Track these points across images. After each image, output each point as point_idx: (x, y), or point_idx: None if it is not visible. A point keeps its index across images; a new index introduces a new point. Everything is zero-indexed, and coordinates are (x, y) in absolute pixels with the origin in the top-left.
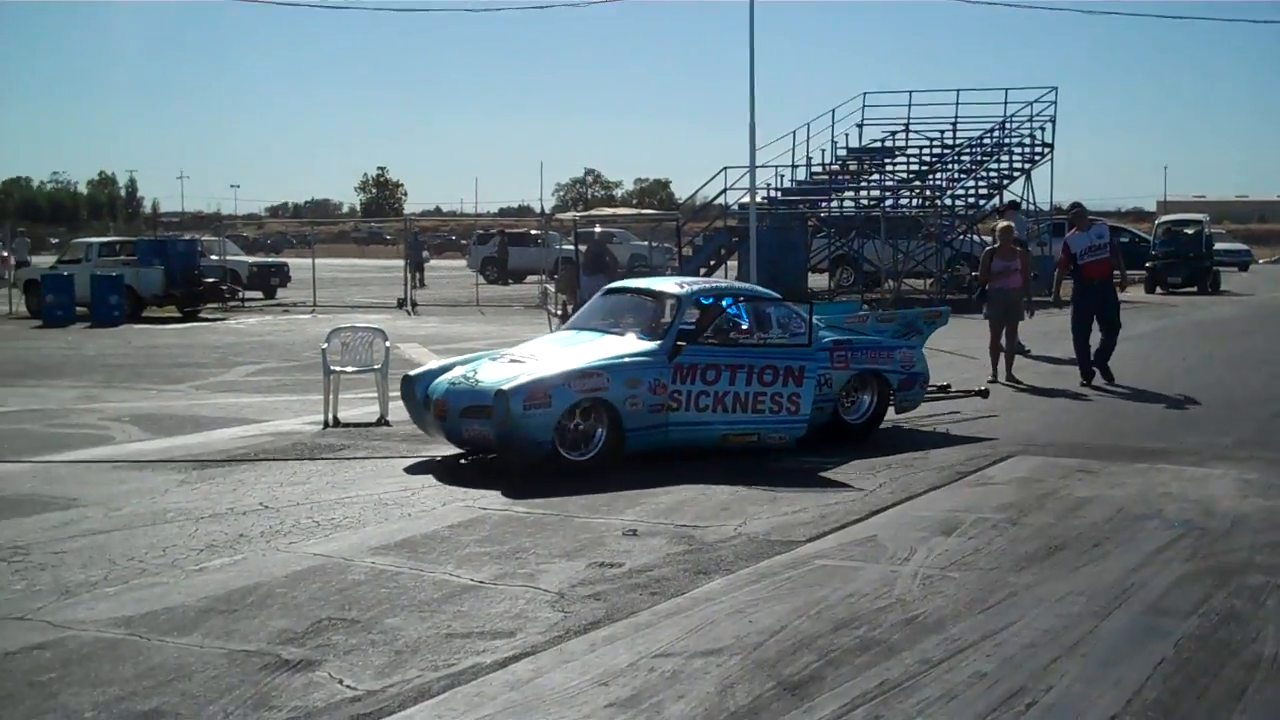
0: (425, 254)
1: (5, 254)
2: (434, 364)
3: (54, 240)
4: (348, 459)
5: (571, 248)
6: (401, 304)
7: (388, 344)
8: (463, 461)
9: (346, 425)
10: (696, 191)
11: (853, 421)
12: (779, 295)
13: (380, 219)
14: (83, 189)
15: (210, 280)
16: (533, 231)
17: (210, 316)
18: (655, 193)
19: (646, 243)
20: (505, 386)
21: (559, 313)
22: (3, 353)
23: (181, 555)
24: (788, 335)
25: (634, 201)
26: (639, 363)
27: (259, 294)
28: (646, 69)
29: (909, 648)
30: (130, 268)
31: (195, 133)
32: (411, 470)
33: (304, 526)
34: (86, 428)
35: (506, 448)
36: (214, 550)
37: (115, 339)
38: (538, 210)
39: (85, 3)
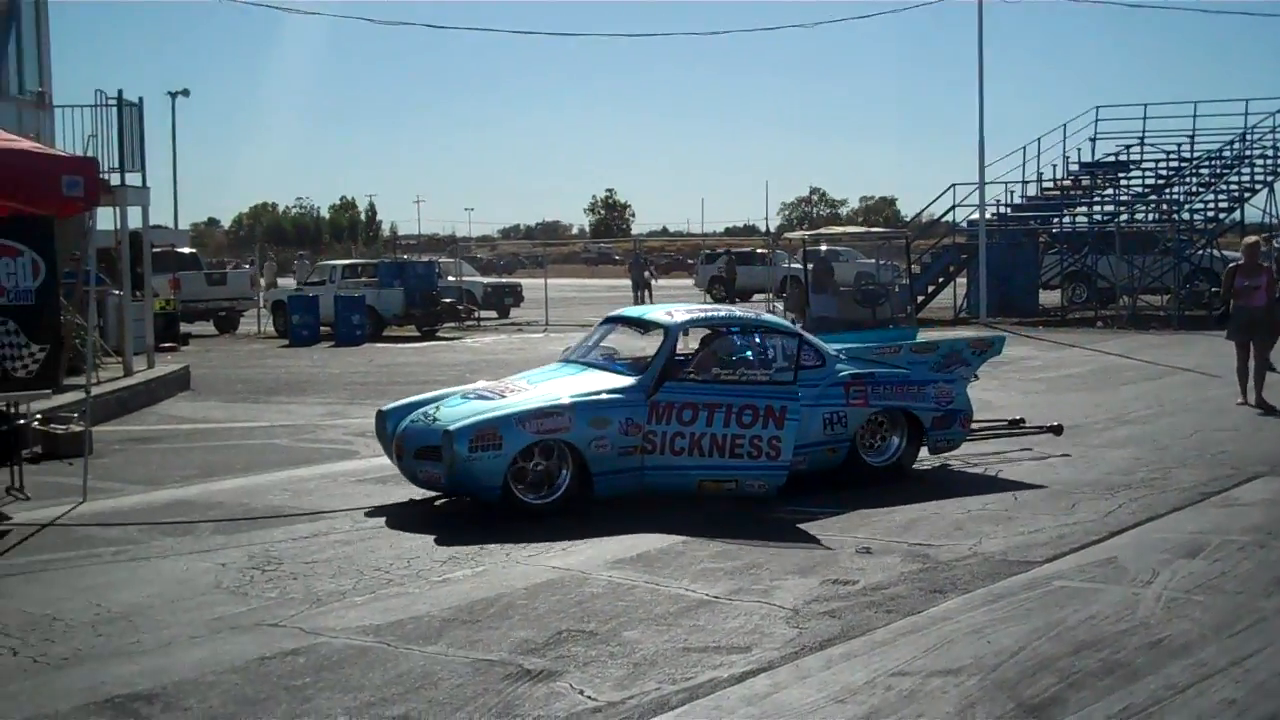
0: (648, 273)
1: (259, 276)
2: (412, 398)
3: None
4: None
5: (799, 266)
6: None
7: None
8: None
9: None
10: (924, 209)
11: (877, 464)
12: (787, 325)
13: (609, 239)
14: (325, 213)
15: (447, 300)
16: (759, 250)
17: (447, 335)
18: (881, 210)
19: (873, 260)
20: (452, 427)
21: None
22: (255, 371)
23: (425, 566)
24: (791, 369)
25: (859, 219)
26: (609, 400)
27: (493, 313)
28: (872, 86)
29: (1153, 672)
30: (372, 289)
31: (431, 157)
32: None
33: (542, 539)
34: (333, 442)
35: (456, 491)
36: (456, 562)
37: (358, 357)
38: (763, 229)
39: (326, 34)
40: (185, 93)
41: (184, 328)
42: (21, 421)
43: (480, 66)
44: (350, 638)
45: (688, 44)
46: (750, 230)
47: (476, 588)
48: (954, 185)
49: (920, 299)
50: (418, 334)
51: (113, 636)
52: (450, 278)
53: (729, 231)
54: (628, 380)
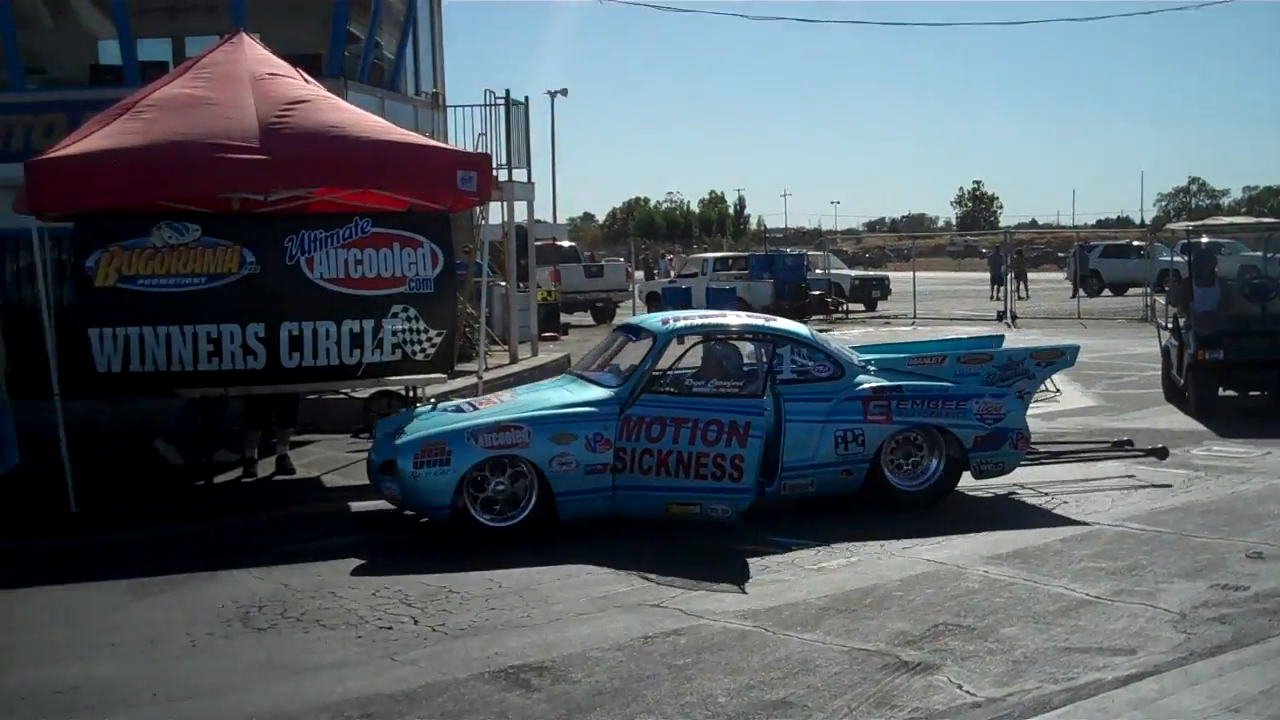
0: (1003, 268)
1: (631, 270)
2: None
3: (669, 256)
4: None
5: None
6: (1001, 316)
7: None
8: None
9: None
10: None
11: (907, 488)
12: (801, 333)
13: (975, 232)
14: (694, 207)
15: (816, 293)
16: (1135, 243)
17: (815, 328)
18: (1266, 201)
19: (1261, 254)
20: (399, 441)
21: (1168, 326)
22: None
23: (800, 555)
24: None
25: (1241, 210)
26: (575, 415)
27: (860, 306)
28: (1258, 70)
29: None
30: (742, 281)
31: (798, 151)
32: (1013, 481)
33: (914, 534)
34: None
35: (410, 509)
36: (830, 552)
37: None
38: (1137, 221)
39: (698, 31)
40: (564, 92)
41: (563, 318)
42: (419, 402)
43: (849, 59)
44: (729, 621)
45: (1058, 32)
46: (1124, 222)
47: (851, 577)
48: None
49: None
50: None
51: (504, 610)
52: (818, 270)
53: (1101, 223)
54: (604, 393)
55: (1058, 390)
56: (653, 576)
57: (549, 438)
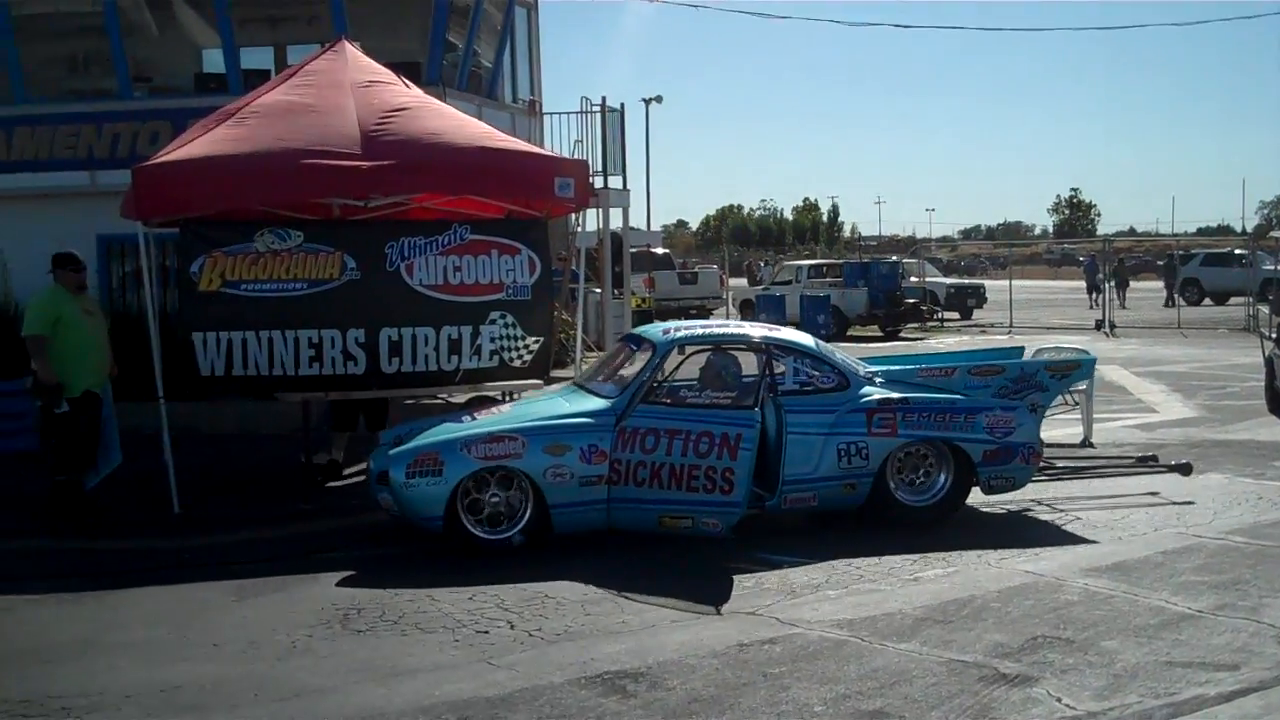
0: (1099, 276)
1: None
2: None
3: (762, 264)
4: (1047, 479)
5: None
6: (1099, 325)
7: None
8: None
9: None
10: None
11: (914, 504)
12: (804, 343)
13: (1073, 240)
14: (788, 215)
15: (911, 301)
16: (1236, 251)
17: (910, 336)
18: None
19: None
20: (393, 451)
21: (1273, 336)
22: None
23: (896, 564)
24: (812, 388)
25: None
26: (571, 425)
27: (955, 315)
28: None
29: None
30: (836, 289)
31: (892, 159)
32: (1120, 492)
33: (1010, 544)
34: None
35: (405, 520)
36: (926, 561)
37: None
38: (1238, 229)
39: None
40: (659, 99)
41: None
42: None
43: (946, 64)
44: (825, 630)
45: (1157, 36)
46: (1225, 230)
47: (948, 588)
48: None
49: None
50: (881, 334)
51: (599, 616)
52: (913, 278)
53: (1201, 231)
54: (602, 404)
55: (1076, 403)
56: (750, 584)
57: (543, 448)
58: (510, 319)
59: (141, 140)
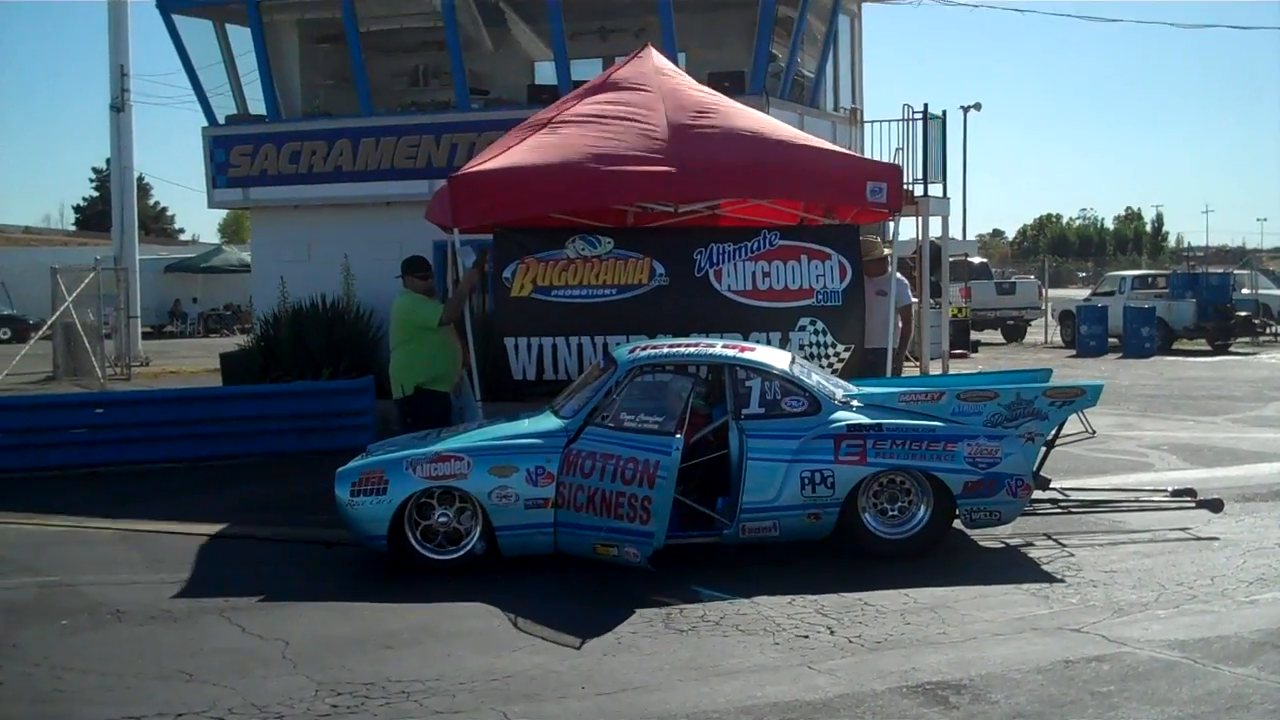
0: None
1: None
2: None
3: (1081, 275)
4: None
5: None
6: None
7: None
8: None
9: None
10: None
11: (888, 536)
12: (771, 365)
13: None
14: (1109, 224)
15: (1242, 314)
16: None
17: (1240, 350)
18: None
19: None
20: (340, 468)
21: None
22: None
23: (1230, 585)
24: (778, 412)
25: None
26: (518, 446)
27: None
28: None
29: None
30: (1162, 300)
31: (1222, 165)
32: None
33: None
34: (1126, 454)
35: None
36: (1264, 583)
37: (1147, 369)
38: None
39: (1116, 41)
40: (977, 106)
41: (974, 335)
42: None
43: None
44: (1155, 650)
45: None
46: None
47: None
48: None
49: None
50: (1209, 348)
51: (920, 626)
52: (1245, 290)
53: None
54: (556, 424)
55: (1092, 431)
56: (1074, 600)
57: (488, 469)
58: (820, 325)
59: (479, 150)
